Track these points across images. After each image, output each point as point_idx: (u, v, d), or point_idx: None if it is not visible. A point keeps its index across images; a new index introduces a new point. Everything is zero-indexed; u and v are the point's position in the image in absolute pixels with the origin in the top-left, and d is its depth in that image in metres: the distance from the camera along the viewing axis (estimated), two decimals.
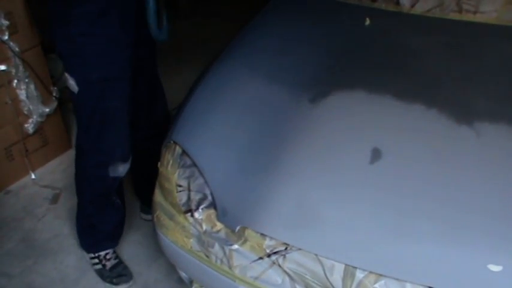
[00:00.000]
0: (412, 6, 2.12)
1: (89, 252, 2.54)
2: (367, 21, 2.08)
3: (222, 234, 1.67)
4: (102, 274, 2.51)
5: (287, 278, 1.54)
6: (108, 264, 2.50)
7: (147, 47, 2.16)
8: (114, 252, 2.55)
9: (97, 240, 2.50)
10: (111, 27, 1.92)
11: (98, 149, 2.15)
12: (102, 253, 2.51)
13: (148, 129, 2.41)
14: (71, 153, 3.31)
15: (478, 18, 2.03)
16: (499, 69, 1.83)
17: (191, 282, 2.00)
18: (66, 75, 2.03)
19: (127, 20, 1.95)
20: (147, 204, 2.60)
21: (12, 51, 2.75)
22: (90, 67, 1.96)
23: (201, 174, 1.76)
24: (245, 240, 1.61)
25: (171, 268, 2.39)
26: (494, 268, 1.35)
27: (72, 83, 2.01)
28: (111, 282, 2.48)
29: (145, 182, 2.50)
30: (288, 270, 1.53)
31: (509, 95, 1.72)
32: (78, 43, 1.92)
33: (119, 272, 2.49)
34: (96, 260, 2.52)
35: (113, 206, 2.39)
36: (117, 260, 2.53)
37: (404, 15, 2.11)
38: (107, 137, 2.12)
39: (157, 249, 2.32)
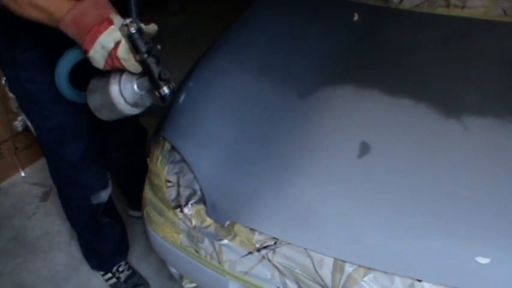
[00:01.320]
0: (401, 1, 2.13)
1: (99, 270, 2.52)
2: (356, 17, 2.09)
3: (212, 229, 1.67)
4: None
5: (277, 273, 1.54)
6: (122, 276, 2.46)
7: None
8: (127, 263, 2.51)
9: (105, 260, 2.47)
10: None
11: (74, 184, 2.10)
12: (114, 267, 2.48)
13: (125, 148, 2.39)
14: None
15: (466, 13, 2.04)
16: (486, 64, 1.84)
17: (181, 277, 2.00)
18: (24, 116, 1.95)
19: None
20: (134, 201, 2.59)
21: None
22: (46, 115, 1.86)
23: (190, 169, 1.76)
24: (235, 235, 1.61)
25: (162, 264, 2.40)
26: (482, 260, 1.36)
27: (30, 126, 1.94)
28: None
29: (131, 179, 2.49)
30: (277, 265, 1.53)
31: (496, 90, 1.73)
32: (29, 90, 1.79)
33: (135, 282, 2.46)
34: (109, 275, 2.48)
35: (105, 227, 2.34)
36: (130, 271, 2.49)
37: (392, 10, 2.12)
38: (79, 174, 2.06)
39: (148, 246, 2.32)
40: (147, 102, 1.49)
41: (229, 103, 1.87)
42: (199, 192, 1.73)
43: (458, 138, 1.61)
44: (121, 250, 2.49)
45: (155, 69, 1.37)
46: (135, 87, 1.43)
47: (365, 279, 1.43)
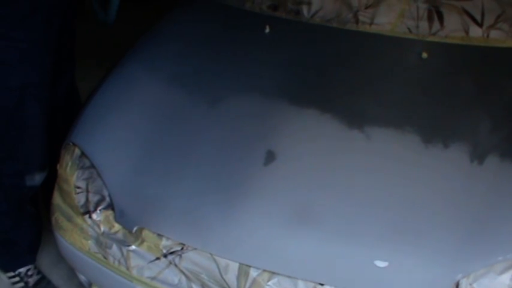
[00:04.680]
0: (312, 16, 2.18)
1: (7, 271, 2.41)
2: (267, 29, 2.13)
3: (120, 235, 1.68)
4: None
5: (183, 278, 1.56)
6: (31, 281, 2.39)
7: (67, 51, 2.11)
8: (36, 267, 2.44)
9: (15, 256, 2.38)
10: (34, 31, 1.84)
11: (15, 157, 2.05)
12: (23, 270, 2.39)
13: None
14: None
15: (373, 29, 2.11)
16: (390, 78, 1.92)
17: (90, 285, 1.98)
18: None
19: (51, 24, 1.89)
20: None
21: None
22: (10, 72, 1.87)
23: (100, 175, 1.75)
24: (142, 241, 1.62)
25: (72, 273, 2.36)
26: (381, 264, 1.42)
27: None
28: None
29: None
30: (184, 270, 1.55)
31: (397, 102, 1.81)
32: None
33: (44, 287, 2.40)
34: (17, 278, 2.39)
35: (29, 216, 2.28)
36: (39, 276, 2.42)
37: (304, 24, 2.17)
38: (24, 145, 2.03)
39: (58, 254, 2.28)
40: None
41: (140, 110, 1.88)
42: (108, 198, 1.73)
43: (361, 147, 1.67)
44: (34, 249, 2.42)
45: None
46: None
47: (269, 283, 1.47)
